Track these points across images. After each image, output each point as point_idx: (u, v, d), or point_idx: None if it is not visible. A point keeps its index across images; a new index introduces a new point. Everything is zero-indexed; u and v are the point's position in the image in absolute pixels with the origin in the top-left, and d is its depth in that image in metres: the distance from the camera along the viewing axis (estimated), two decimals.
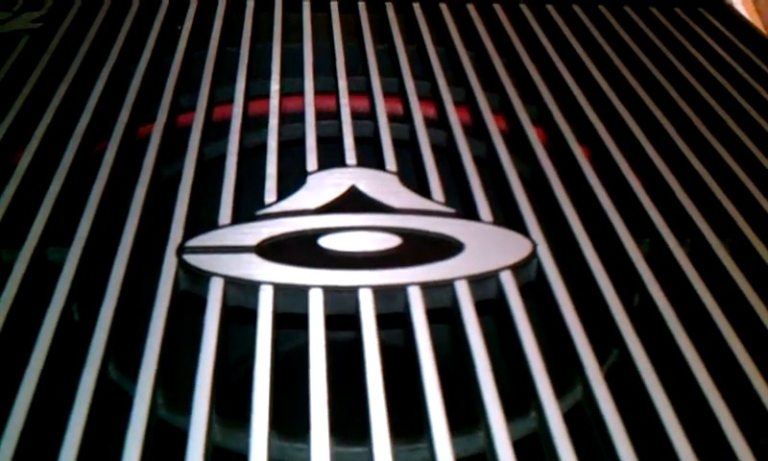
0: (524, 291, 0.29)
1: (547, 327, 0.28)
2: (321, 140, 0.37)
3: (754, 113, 0.41)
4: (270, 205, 0.32)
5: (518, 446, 0.23)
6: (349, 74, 0.42)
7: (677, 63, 0.46)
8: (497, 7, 0.51)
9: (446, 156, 0.37)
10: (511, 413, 0.24)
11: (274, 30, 0.46)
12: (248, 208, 0.32)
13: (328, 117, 0.39)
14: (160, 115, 0.38)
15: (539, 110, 0.41)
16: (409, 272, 0.29)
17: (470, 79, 0.42)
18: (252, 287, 0.28)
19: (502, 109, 0.41)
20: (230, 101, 0.39)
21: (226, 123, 0.38)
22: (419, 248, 0.30)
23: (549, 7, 0.53)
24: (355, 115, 0.39)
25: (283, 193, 0.33)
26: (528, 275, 0.30)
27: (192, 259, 0.29)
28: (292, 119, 0.39)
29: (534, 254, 0.30)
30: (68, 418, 0.23)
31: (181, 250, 0.30)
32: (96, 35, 0.46)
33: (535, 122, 0.40)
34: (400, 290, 0.28)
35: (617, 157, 0.37)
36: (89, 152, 0.37)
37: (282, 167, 0.35)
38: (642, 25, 0.51)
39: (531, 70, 0.44)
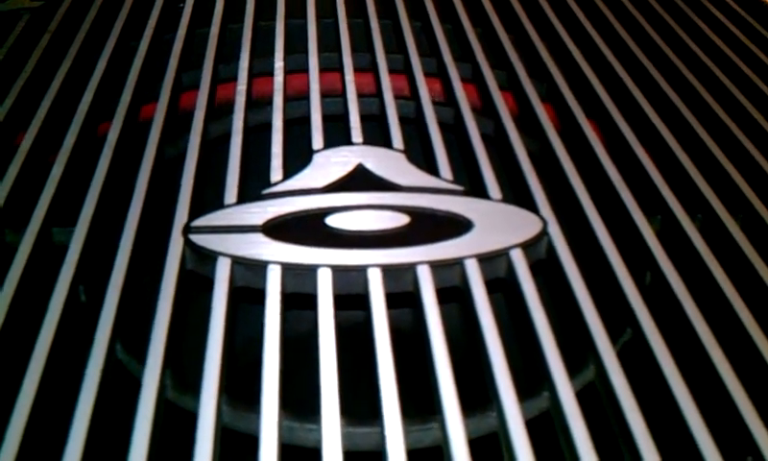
0: (535, 269, 0.28)
1: (559, 306, 0.28)
2: (326, 118, 0.36)
3: (766, 89, 0.41)
4: (276, 183, 0.32)
5: (531, 425, 0.23)
6: (354, 51, 0.41)
7: (687, 39, 0.46)
8: None
9: (454, 133, 0.37)
10: (523, 392, 0.24)
11: (277, 6, 0.45)
12: (253, 188, 0.32)
13: (334, 95, 0.39)
14: (163, 94, 0.37)
15: (547, 87, 0.41)
16: (418, 250, 0.29)
17: (477, 56, 0.42)
18: (259, 267, 0.28)
19: (510, 85, 0.41)
20: (234, 79, 0.39)
21: (230, 101, 0.37)
22: (427, 226, 0.30)
23: None
24: (361, 93, 0.38)
25: (289, 172, 0.32)
26: (538, 253, 0.30)
27: (198, 239, 0.29)
28: (296, 97, 0.39)
29: (544, 232, 0.30)
30: (76, 400, 0.23)
31: (187, 230, 0.29)
32: (97, 13, 0.46)
33: (543, 99, 0.39)
34: (409, 269, 0.28)
35: (628, 134, 0.36)
36: (92, 131, 0.36)
37: (288, 145, 0.34)
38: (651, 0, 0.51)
39: (539, 46, 0.43)
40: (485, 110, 0.38)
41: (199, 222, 0.30)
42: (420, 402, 0.24)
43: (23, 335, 0.25)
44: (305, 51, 0.41)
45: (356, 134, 0.35)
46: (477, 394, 0.24)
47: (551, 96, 0.40)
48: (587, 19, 0.47)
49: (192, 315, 0.28)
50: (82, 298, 0.28)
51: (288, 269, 0.28)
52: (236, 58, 0.40)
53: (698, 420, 0.23)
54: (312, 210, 0.30)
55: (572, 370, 0.25)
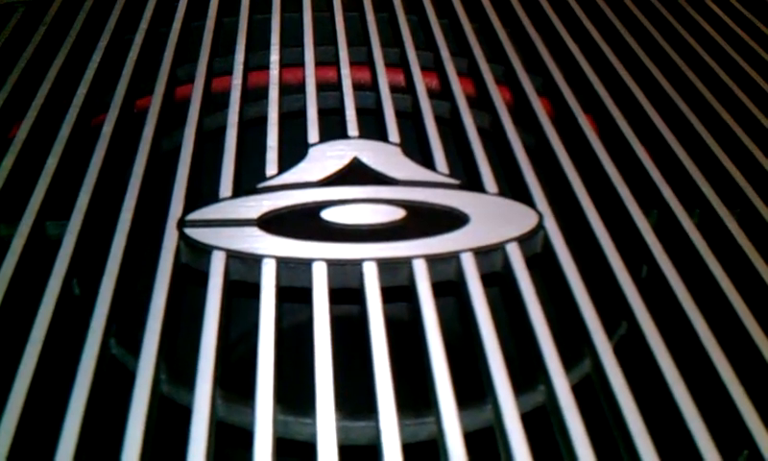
0: (531, 263, 0.28)
1: (555, 300, 0.28)
2: (322, 112, 0.36)
3: (763, 84, 0.41)
4: (271, 177, 0.32)
5: (527, 419, 0.23)
6: (350, 44, 0.41)
7: (684, 33, 0.46)
8: None
9: (450, 127, 0.37)
10: (519, 386, 0.24)
11: None
12: (249, 181, 0.32)
13: (329, 88, 0.39)
14: (158, 87, 0.37)
15: (543, 81, 0.40)
16: (414, 244, 0.28)
17: (474, 49, 0.42)
18: (254, 261, 0.28)
19: (506, 79, 0.41)
20: (229, 72, 0.39)
21: (225, 95, 0.37)
22: (423, 220, 0.30)
23: None
24: (357, 86, 0.38)
25: (285, 165, 0.32)
26: (534, 246, 0.30)
27: (193, 233, 0.29)
28: (292, 90, 0.39)
29: (540, 226, 0.30)
30: (70, 394, 0.23)
31: (182, 223, 0.29)
32: (93, 5, 0.46)
33: (540, 92, 0.39)
34: (405, 263, 0.28)
35: (624, 128, 0.36)
36: (87, 124, 0.36)
37: (283, 139, 0.34)
38: None
39: (535, 40, 0.43)
40: (481, 104, 0.38)
41: (194, 215, 0.29)
42: (416, 397, 0.24)
43: (16, 329, 0.25)
44: (301, 44, 0.41)
45: (352, 128, 0.35)
46: (473, 388, 0.24)
47: (548, 90, 0.40)
48: (584, 14, 0.47)
49: (187, 309, 0.27)
50: (75, 291, 0.28)
51: (283, 263, 0.28)
52: (232, 51, 0.40)
53: (694, 413, 0.23)
54: (307, 204, 0.30)
55: (568, 364, 0.25)
